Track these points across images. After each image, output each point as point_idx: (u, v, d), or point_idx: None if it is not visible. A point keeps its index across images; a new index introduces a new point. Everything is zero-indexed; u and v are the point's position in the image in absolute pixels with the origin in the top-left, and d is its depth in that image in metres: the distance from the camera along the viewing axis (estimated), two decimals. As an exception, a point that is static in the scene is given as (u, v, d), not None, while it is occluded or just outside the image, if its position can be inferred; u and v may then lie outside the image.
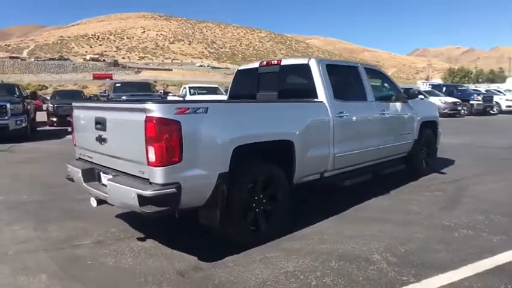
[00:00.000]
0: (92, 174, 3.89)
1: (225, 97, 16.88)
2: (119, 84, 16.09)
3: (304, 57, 4.82)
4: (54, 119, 17.95)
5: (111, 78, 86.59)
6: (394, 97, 5.74)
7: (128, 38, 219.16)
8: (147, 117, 3.01)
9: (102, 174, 3.79)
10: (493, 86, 27.50)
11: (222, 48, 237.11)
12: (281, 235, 3.93)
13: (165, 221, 4.31)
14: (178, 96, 17.40)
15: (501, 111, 23.07)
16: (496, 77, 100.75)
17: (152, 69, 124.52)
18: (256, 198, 3.72)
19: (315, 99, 4.49)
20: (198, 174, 3.20)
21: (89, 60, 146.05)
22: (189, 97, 16.58)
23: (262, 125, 3.75)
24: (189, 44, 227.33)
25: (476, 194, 5.49)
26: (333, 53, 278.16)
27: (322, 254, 3.52)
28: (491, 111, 22.55)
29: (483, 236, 3.90)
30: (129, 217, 4.65)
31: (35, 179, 7.03)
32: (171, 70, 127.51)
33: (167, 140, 2.99)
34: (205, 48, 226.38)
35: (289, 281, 3.03)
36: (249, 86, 5.49)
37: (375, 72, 5.63)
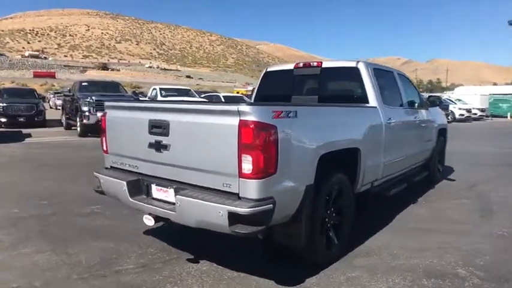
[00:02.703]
0: (138, 186, 3.32)
1: (199, 99, 16.31)
2: (86, 83, 14.84)
3: (349, 60, 4.57)
4: (3, 120, 16.23)
5: (54, 77, 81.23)
6: (417, 104, 5.66)
7: (70, 35, 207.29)
8: (241, 121, 2.56)
9: (154, 187, 3.23)
10: (445, 96, 29.21)
11: (171, 50, 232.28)
12: (347, 251, 3.62)
13: (199, 237, 3.83)
14: (148, 97, 16.48)
15: (454, 119, 24.58)
16: (434, 87, 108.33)
17: (99, 68, 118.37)
18: (328, 212, 3.39)
19: (367, 105, 4.25)
20: (289, 187, 2.81)
21: (28, 56, 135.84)
22: (160, 99, 15.72)
23: (340, 131, 3.44)
24: (137, 44, 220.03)
25: (499, 200, 5.54)
26: (283, 59, 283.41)
27: (405, 271, 3.27)
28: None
29: (545, 246, 3.87)
30: (159, 233, 4.12)
31: (15, 189, 6.11)
32: (119, 70, 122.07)
33: (265, 148, 2.57)
34: (154, 49, 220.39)
35: (396, 306, 2.74)
36: (281, 88, 5.13)
37: (402, 78, 5.51)
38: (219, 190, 2.75)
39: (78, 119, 13.05)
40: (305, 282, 3.05)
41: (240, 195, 2.64)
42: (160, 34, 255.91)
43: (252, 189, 2.59)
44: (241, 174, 2.60)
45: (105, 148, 3.70)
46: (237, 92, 40.67)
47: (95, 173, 3.67)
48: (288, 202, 2.84)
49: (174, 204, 3.03)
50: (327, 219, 3.36)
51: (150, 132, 3.12)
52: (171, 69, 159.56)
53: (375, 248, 3.76)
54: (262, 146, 2.56)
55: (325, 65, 4.67)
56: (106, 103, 3.69)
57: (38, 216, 4.70)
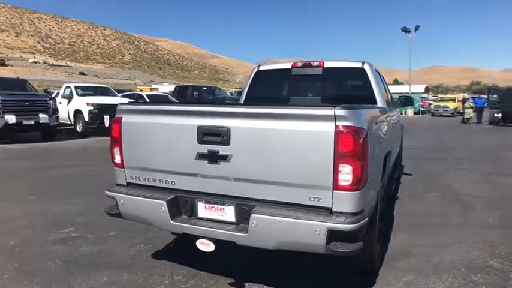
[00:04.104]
0: (177, 206, 2.79)
1: (121, 99, 14.91)
2: (-16, 81, 12.48)
3: (353, 60, 4.51)
4: None
5: None
6: (392, 103, 5.90)
7: None
8: (338, 126, 2.28)
9: (201, 205, 2.74)
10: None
11: (59, 43, 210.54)
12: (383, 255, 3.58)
13: (216, 253, 3.43)
14: (62, 96, 14.44)
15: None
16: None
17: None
18: (376, 217, 3.28)
19: (377, 106, 4.25)
20: (372, 196, 2.64)
21: None
22: (77, 98, 14.01)
23: (388, 133, 3.35)
24: (17, 36, 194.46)
25: (465, 192, 6.05)
26: (184, 56, 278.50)
27: (449, 269, 3.33)
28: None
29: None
30: (171, 254, 3.61)
31: None
32: (12, 66, 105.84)
33: (362, 155, 2.34)
34: (39, 43, 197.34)
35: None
36: (276, 88, 4.87)
37: (383, 78, 5.68)
38: (303, 205, 2.43)
39: (-22, 124, 10.93)
40: (372, 294, 2.91)
41: (333, 209, 2.36)
42: (46, 26, 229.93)
43: (349, 202, 2.33)
44: (336, 186, 2.33)
45: (118, 161, 3.03)
46: (141, 90, 37.95)
47: (109, 192, 2.98)
48: (368, 212, 2.65)
49: (235, 224, 2.63)
50: (375, 225, 3.26)
51: (201, 141, 2.62)
52: (60, 65, 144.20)
53: (405, 249, 3.77)
54: (360, 154, 2.32)
55: (327, 65, 4.54)
56: (120, 106, 3.01)
57: (3, 249, 3.72)
